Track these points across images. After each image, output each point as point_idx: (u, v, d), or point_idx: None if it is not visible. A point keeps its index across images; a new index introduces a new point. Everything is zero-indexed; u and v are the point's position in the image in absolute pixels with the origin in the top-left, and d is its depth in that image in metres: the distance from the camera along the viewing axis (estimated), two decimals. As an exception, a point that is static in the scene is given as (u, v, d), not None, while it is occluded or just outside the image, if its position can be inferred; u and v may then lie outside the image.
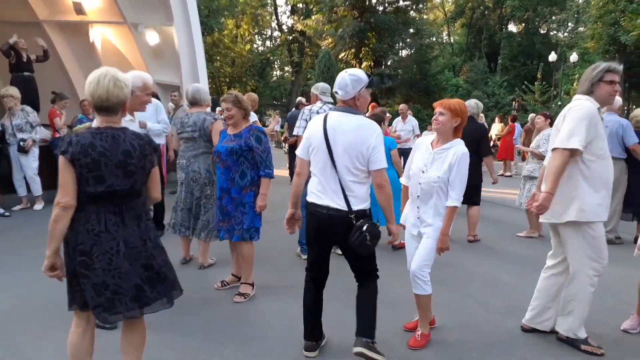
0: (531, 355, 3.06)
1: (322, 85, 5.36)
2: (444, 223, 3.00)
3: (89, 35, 10.09)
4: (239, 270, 4.12)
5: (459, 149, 2.97)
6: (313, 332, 3.02)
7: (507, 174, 13.12)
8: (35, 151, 7.09)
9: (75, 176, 2.11)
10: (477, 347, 3.16)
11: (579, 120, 2.87)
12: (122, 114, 2.29)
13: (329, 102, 5.17)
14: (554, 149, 2.93)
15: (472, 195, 5.80)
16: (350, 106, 2.80)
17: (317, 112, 5.02)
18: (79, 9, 9.70)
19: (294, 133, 5.07)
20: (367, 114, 6.46)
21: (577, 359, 3.00)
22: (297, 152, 2.95)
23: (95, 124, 2.30)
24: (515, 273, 4.75)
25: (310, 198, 2.86)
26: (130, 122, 3.46)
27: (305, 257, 4.74)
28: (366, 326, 2.82)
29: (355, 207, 2.71)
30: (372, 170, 2.71)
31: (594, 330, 3.27)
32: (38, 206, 7.20)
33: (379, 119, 6.16)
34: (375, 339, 2.83)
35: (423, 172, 3.03)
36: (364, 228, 2.63)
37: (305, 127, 4.86)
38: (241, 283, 4.00)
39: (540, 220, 3.31)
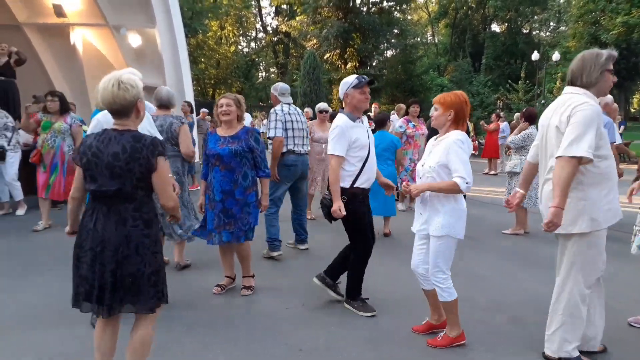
0: (516, 349, 3.09)
1: (282, 86, 5.37)
2: (430, 184, 2.93)
3: (70, 38, 9.98)
4: (232, 271, 4.18)
5: (451, 136, 2.92)
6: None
7: (492, 172, 13.25)
8: (13, 156, 6.95)
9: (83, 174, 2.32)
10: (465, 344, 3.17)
11: (586, 124, 2.52)
12: (136, 115, 2.33)
13: (286, 103, 5.19)
14: (559, 157, 2.55)
15: None
16: (343, 106, 3.48)
17: (290, 114, 5.09)
18: (59, 12, 9.60)
19: (270, 135, 5.02)
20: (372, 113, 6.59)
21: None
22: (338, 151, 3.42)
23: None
24: (499, 269, 4.79)
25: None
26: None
27: (276, 253, 5.02)
28: (334, 271, 3.77)
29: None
30: None
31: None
32: (20, 211, 7.07)
33: (384, 118, 6.32)
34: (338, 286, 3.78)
35: (423, 165, 3.08)
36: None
37: (282, 128, 5.01)
38: (244, 277, 4.10)
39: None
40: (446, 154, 2.90)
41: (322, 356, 3.00)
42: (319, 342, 3.18)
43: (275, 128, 5.00)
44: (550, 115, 2.80)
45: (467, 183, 2.84)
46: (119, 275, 2.22)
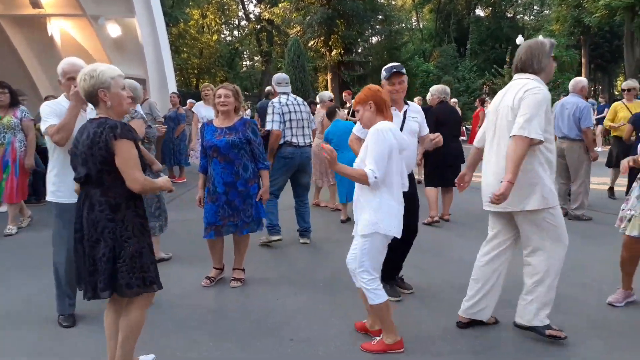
0: (506, 334, 3.11)
1: (279, 76, 5.31)
2: (343, 167, 2.73)
3: (47, 29, 9.73)
4: (221, 263, 4.14)
5: (372, 127, 2.78)
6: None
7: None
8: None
9: None
10: (451, 328, 3.18)
11: (538, 107, 2.73)
12: (103, 104, 2.37)
13: (287, 93, 5.13)
14: (514, 136, 2.71)
15: (450, 177, 5.88)
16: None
17: (287, 105, 5.02)
18: (35, 2, 9.34)
19: (268, 128, 4.95)
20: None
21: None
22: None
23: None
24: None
25: None
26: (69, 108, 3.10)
27: (274, 238, 5.08)
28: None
29: None
30: None
31: (572, 309, 3.34)
32: (3, 208, 6.91)
33: (333, 110, 6.36)
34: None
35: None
36: None
37: (279, 121, 4.92)
38: (235, 269, 4.09)
39: (489, 208, 3.06)
40: (365, 145, 2.77)
41: (313, 346, 2.98)
42: (310, 332, 3.17)
43: (272, 121, 4.91)
44: (500, 100, 2.99)
45: (375, 177, 2.63)
46: (91, 259, 2.31)
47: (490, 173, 3.01)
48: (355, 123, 3.83)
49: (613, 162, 7.08)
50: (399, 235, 2.81)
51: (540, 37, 3.02)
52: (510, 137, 2.76)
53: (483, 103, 14.15)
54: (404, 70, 3.60)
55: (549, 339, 2.91)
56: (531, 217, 2.89)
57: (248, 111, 8.05)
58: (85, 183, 2.34)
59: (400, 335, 2.89)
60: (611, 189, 7.36)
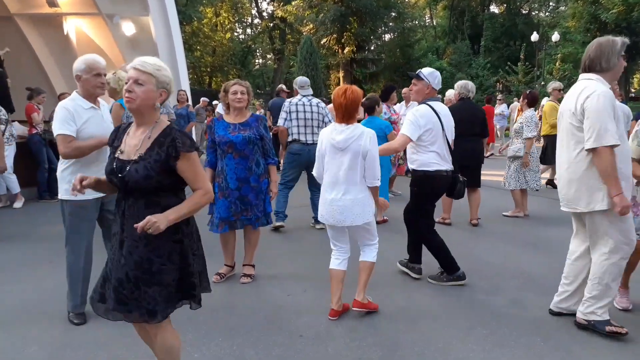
0: (518, 332, 3.08)
1: (300, 79, 5.81)
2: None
3: (63, 27, 9.86)
4: (233, 260, 4.21)
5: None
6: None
7: (487, 154, 13.18)
8: (8, 148, 6.87)
9: None
10: (463, 326, 3.17)
11: (602, 113, 2.74)
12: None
13: (307, 95, 5.60)
14: (593, 150, 2.76)
15: (467, 178, 5.79)
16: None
17: (296, 104, 5.52)
18: (51, 2, 9.47)
19: (278, 124, 5.54)
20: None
21: (562, 335, 3.03)
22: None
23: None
24: (500, 253, 4.78)
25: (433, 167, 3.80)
26: (91, 109, 3.18)
27: (278, 224, 5.52)
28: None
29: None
30: None
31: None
32: (18, 204, 7.05)
33: (372, 103, 6.06)
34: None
35: None
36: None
37: (285, 119, 5.44)
38: (245, 265, 4.14)
39: (564, 209, 3.11)
40: None
41: (323, 342, 3.00)
42: (320, 328, 3.18)
43: (280, 118, 5.56)
44: (567, 103, 3.00)
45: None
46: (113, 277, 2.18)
47: (563, 174, 3.06)
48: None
49: (548, 160, 7.35)
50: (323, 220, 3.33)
51: (611, 36, 2.93)
52: (587, 150, 2.81)
53: (490, 101, 13.93)
54: (420, 75, 3.90)
55: (608, 334, 2.93)
56: (596, 217, 2.92)
57: (262, 110, 8.10)
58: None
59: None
60: (551, 181, 7.94)
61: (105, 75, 3.28)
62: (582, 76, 2.98)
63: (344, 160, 3.17)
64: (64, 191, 3.18)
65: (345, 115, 3.20)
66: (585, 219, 3.01)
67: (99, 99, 3.33)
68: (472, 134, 5.70)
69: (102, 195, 2.98)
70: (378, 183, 3.21)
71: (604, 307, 2.96)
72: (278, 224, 5.51)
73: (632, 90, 27.71)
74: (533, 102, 6.15)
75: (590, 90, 2.81)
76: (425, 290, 3.84)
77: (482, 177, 6.06)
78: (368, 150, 3.14)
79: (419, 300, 3.64)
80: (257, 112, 7.88)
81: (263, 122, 4.01)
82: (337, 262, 3.36)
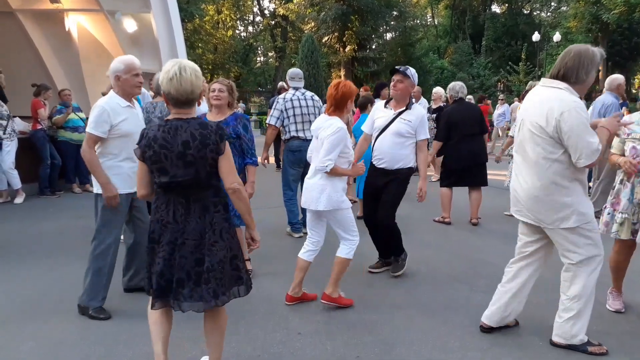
0: (515, 331, 3.09)
1: (291, 71, 5.44)
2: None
3: (65, 24, 9.84)
4: None
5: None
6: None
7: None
8: (9, 144, 6.91)
9: (147, 168, 2.26)
10: (461, 325, 3.19)
11: (585, 126, 2.56)
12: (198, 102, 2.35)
13: (299, 89, 5.24)
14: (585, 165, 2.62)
15: (467, 177, 5.85)
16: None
17: (291, 100, 5.13)
18: (53, -3, 9.44)
19: (267, 122, 5.16)
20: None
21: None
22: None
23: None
24: (499, 252, 4.77)
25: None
26: (128, 108, 3.30)
27: (297, 235, 5.23)
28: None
29: None
30: None
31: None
32: (19, 199, 7.06)
33: (365, 101, 6.15)
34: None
35: None
36: None
37: (278, 117, 5.13)
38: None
39: (519, 217, 2.92)
40: None
41: (321, 339, 3.01)
42: (318, 326, 3.19)
43: (271, 116, 5.17)
44: (532, 113, 2.73)
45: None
46: (207, 264, 2.21)
47: (525, 187, 2.82)
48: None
49: None
50: None
51: (590, 46, 2.71)
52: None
53: (481, 101, 14.13)
54: (407, 72, 3.84)
55: (591, 355, 2.79)
56: (564, 232, 2.74)
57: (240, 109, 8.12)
58: (188, 186, 2.21)
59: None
60: None
61: (141, 74, 3.40)
62: (549, 83, 2.72)
63: (317, 146, 3.37)
64: (99, 185, 3.26)
65: (332, 106, 3.34)
66: (549, 232, 2.81)
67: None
68: (472, 134, 5.74)
69: (134, 190, 3.04)
70: (324, 169, 3.23)
71: (584, 326, 2.80)
72: (296, 235, 5.27)
73: (633, 90, 27.68)
74: None
75: (566, 105, 2.56)
76: (424, 288, 3.85)
77: (494, 177, 6.08)
78: (323, 138, 3.27)
79: (417, 298, 3.65)
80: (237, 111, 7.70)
81: (242, 121, 3.92)
82: (303, 251, 3.51)
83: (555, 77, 2.70)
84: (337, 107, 3.34)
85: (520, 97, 6.49)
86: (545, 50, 27.66)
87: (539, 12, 38.94)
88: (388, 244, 4.12)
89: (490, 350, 2.87)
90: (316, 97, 5.39)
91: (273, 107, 5.19)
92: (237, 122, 3.87)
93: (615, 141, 3.27)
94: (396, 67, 3.93)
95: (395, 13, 28.07)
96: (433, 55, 31.25)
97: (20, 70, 8.59)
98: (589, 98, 9.86)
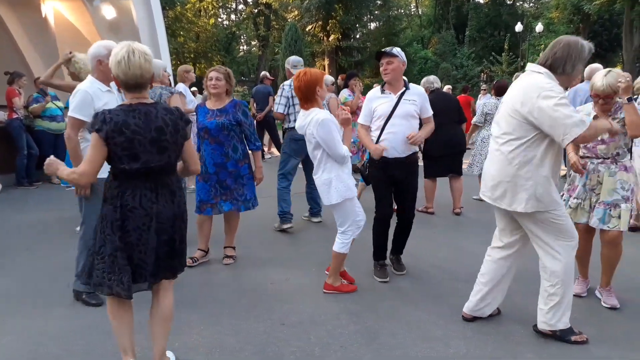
0: (497, 320, 3.13)
1: (293, 58, 5.47)
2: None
3: (41, 10, 9.57)
4: (207, 244, 4.22)
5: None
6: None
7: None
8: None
9: (107, 153, 2.14)
10: (443, 314, 3.21)
11: (560, 108, 2.49)
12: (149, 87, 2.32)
13: None
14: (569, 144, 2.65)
15: (448, 166, 5.89)
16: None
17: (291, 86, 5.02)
18: (28, -18, 9.17)
19: (275, 110, 5.14)
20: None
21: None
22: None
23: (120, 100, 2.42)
24: (482, 241, 4.80)
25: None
26: (108, 92, 3.23)
27: (286, 225, 5.11)
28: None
29: None
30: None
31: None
32: (-5, 191, 6.90)
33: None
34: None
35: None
36: None
37: (285, 105, 5.04)
38: (226, 247, 4.24)
39: (491, 203, 2.89)
40: None
41: (305, 330, 3.00)
42: (302, 316, 3.19)
43: (278, 104, 5.09)
44: (510, 93, 2.77)
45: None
46: (177, 245, 2.32)
47: (490, 167, 2.86)
48: None
49: None
50: None
51: (580, 39, 2.68)
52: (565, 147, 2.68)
53: (465, 91, 14.32)
54: (394, 52, 3.65)
55: (574, 344, 2.81)
56: (530, 217, 2.74)
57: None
58: (159, 172, 2.21)
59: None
60: None
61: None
62: (531, 67, 2.73)
63: (309, 144, 3.36)
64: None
65: (302, 99, 3.30)
66: (518, 218, 2.83)
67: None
68: (449, 122, 5.79)
69: None
70: (345, 161, 3.30)
71: (566, 312, 2.81)
72: (285, 226, 5.11)
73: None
74: (499, 91, 6.19)
75: (539, 89, 2.55)
76: (408, 278, 3.87)
77: (464, 167, 6.12)
78: (314, 136, 3.22)
79: (400, 288, 3.66)
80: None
81: (242, 107, 3.94)
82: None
83: (543, 65, 2.69)
84: (307, 98, 3.26)
85: (493, 89, 6.55)
86: (527, 40, 27.87)
87: (521, 2, 39.19)
88: (398, 239, 4.01)
89: (473, 339, 2.90)
90: None
91: (279, 94, 5.07)
92: (236, 109, 3.90)
93: None
94: (381, 49, 3.75)
95: (379, 2, 28.00)
96: (417, 45, 31.30)
97: (-5, 58, 8.36)
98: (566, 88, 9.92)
